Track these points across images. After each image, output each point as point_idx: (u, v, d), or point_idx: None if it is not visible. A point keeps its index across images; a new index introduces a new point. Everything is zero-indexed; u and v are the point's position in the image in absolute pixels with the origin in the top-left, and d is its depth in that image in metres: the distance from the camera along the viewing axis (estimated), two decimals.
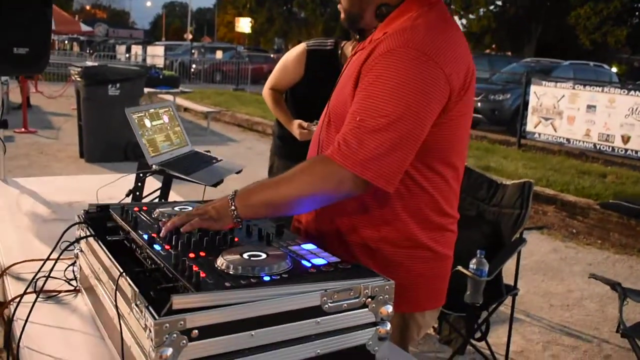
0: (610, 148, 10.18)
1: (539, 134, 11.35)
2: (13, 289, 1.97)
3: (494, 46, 43.59)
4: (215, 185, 2.15)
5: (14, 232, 2.50)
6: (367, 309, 1.36)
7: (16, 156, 8.36)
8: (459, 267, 2.87)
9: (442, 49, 1.58)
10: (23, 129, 10.70)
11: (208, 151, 2.42)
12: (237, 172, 2.25)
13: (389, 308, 1.39)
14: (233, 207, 1.62)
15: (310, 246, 1.56)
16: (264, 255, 1.42)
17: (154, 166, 2.11)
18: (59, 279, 1.89)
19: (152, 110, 2.24)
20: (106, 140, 8.44)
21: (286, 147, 3.49)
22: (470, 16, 42.24)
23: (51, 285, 1.81)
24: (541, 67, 15.23)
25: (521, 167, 8.97)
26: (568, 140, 10.88)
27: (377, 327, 1.38)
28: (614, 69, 32.26)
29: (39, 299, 1.78)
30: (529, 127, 11.50)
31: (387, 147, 1.55)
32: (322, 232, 1.85)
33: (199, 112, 13.48)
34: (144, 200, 2.25)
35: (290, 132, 3.34)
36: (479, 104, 13.83)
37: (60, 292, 1.89)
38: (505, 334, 3.65)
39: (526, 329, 4.15)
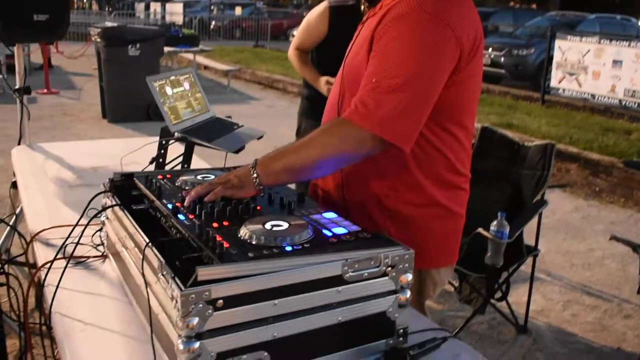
0: (636, 104, 10.02)
1: (563, 90, 11.20)
2: (42, 254, 2.03)
3: None
4: (237, 151, 2.17)
5: (41, 198, 2.55)
6: (387, 278, 1.39)
7: (40, 117, 8.44)
8: (480, 230, 2.88)
9: (453, 12, 1.62)
10: (45, 90, 10.77)
11: (229, 117, 2.43)
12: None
13: (409, 276, 1.41)
14: (255, 175, 1.65)
15: (331, 215, 1.58)
16: (285, 225, 1.44)
17: (176, 133, 2.13)
18: (87, 244, 1.94)
19: (172, 78, 2.25)
20: (128, 100, 8.49)
21: (314, 108, 3.48)
22: None
23: (79, 251, 1.85)
24: (566, 21, 14.92)
25: (544, 124, 8.88)
26: (593, 96, 10.73)
27: (397, 294, 1.41)
28: None
29: (68, 265, 1.84)
30: (553, 83, 11.35)
31: (403, 106, 1.59)
32: (340, 197, 1.89)
33: (219, 70, 13.46)
34: (167, 167, 2.28)
35: (317, 92, 3.34)
36: (502, 59, 13.65)
37: (88, 257, 1.94)
38: (526, 293, 3.68)
39: (546, 288, 4.17)
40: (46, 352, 2.07)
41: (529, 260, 3.48)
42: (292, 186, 1.96)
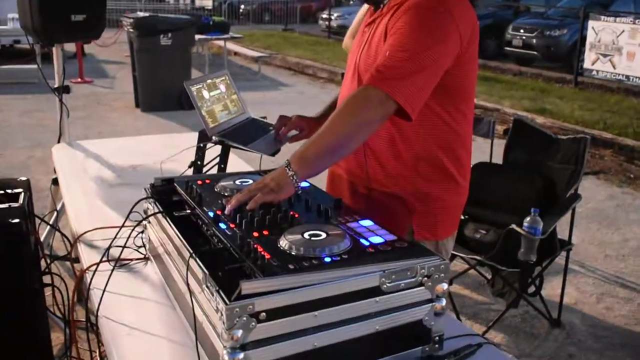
0: None
1: (597, 71, 11.03)
2: (87, 255, 2.10)
3: None
4: (273, 154, 2.21)
5: (83, 198, 2.63)
6: (423, 287, 1.42)
7: (74, 107, 8.53)
8: (513, 226, 2.90)
9: (456, 5, 1.86)
10: (79, 79, 10.93)
11: (264, 117, 2.47)
12: (294, 137, 2.30)
13: (445, 285, 1.45)
14: (291, 173, 1.71)
15: (367, 222, 1.62)
16: (324, 235, 1.48)
17: (213, 137, 2.18)
18: (130, 247, 2.00)
19: (209, 81, 2.30)
20: (160, 89, 8.59)
21: None
22: None
23: (121, 252, 1.92)
24: (600, 0, 14.63)
25: (577, 108, 8.77)
26: (627, 77, 10.55)
27: (433, 303, 1.45)
28: None
29: (111, 267, 1.90)
30: (586, 64, 11.19)
31: (411, 73, 1.77)
32: (367, 179, 2.05)
33: (249, 56, 13.51)
34: (205, 169, 2.33)
35: None
36: (534, 40, 13.47)
37: (131, 260, 2.00)
38: (559, 284, 3.68)
39: (580, 280, 4.16)
40: (91, 346, 2.14)
41: (563, 253, 3.49)
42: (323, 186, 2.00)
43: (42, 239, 3.55)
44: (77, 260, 2.38)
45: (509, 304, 3.28)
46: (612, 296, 3.97)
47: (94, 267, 1.90)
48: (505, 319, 3.46)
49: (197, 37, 10.05)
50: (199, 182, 1.93)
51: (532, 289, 3.35)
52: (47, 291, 2.45)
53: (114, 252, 1.94)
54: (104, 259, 1.93)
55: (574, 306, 3.82)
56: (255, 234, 1.51)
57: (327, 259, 1.39)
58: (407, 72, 1.77)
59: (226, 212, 1.65)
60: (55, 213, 3.41)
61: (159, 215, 1.79)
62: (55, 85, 3.56)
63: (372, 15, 2.06)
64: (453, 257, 3.26)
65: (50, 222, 3.33)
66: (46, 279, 2.42)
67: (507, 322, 3.55)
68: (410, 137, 1.97)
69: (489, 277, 3.57)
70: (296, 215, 1.65)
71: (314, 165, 1.75)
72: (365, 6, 3.56)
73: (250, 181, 1.89)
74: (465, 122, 2.03)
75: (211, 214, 1.65)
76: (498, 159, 3.74)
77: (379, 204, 2.04)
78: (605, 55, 10.86)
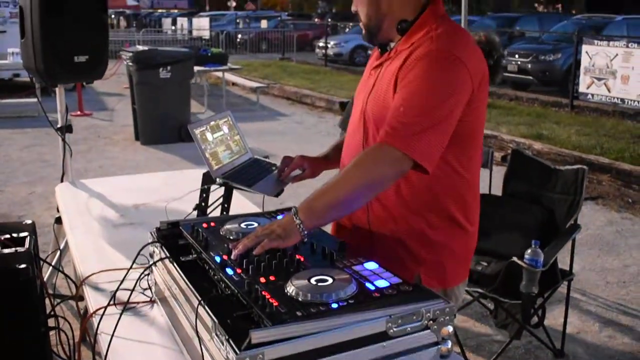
0: None
1: (592, 95, 11.14)
2: (93, 298, 2.11)
3: None
4: (276, 195, 2.24)
5: (87, 239, 2.65)
6: (429, 331, 1.45)
7: (75, 141, 8.52)
8: (514, 258, 2.92)
9: (465, 50, 1.87)
10: (79, 112, 10.99)
11: (267, 157, 2.50)
12: (296, 177, 2.33)
13: (450, 328, 1.47)
14: (298, 222, 1.74)
15: (372, 265, 1.64)
16: (330, 280, 1.51)
17: (217, 179, 2.21)
18: (136, 290, 2.01)
19: (212, 123, 2.33)
20: (160, 122, 8.66)
21: None
22: None
23: (127, 294, 1.93)
24: (592, 24, 14.79)
25: (574, 133, 8.83)
26: (622, 100, 10.66)
27: (439, 346, 1.46)
28: None
29: (117, 310, 1.92)
30: (582, 88, 11.30)
31: (426, 129, 1.78)
32: (369, 230, 2.03)
33: (247, 87, 13.61)
34: (208, 210, 2.36)
35: None
36: (529, 65, 13.61)
37: (138, 303, 2.02)
38: (561, 314, 3.69)
39: (582, 308, 4.17)
40: None
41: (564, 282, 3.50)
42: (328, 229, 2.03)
43: (45, 277, 3.57)
44: (81, 298, 2.40)
45: (512, 335, 3.29)
46: (615, 324, 3.98)
47: (101, 311, 1.92)
48: (509, 350, 3.46)
49: (195, 68, 10.13)
50: (205, 225, 1.96)
51: (534, 320, 3.37)
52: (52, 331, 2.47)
53: (120, 294, 1.96)
54: (112, 302, 1.95)
55: (577, 335, 3.83)
56: (262, 280, 1.54)
57: (334, 305, 1.42)
58: (423, 129, 1.78)
59: (232, 257, 1.68)
60: (59, 252, 3.43)
61: (166, 261, 1.81)
62: (59, 125, 3.60)
63: (378, 59, 2.06)
64: None
65: (54, 262, 3.35)
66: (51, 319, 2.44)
67: (511, 354, 3.56)
68: (416, 185, 1.94)
69: (492, 308, 3.58)
70: (302, 259, 1.67)
71: (321, 217, 1.79)
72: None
73: (256, 224, 1.92)
74: (474, 167, 2.02)
75: (218, 259, 1.67)
76: (496, 186, 3.78)
77: (384, 252, 1.97)
78: (599, 79, 10.97)
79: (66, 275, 2.56)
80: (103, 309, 1.92)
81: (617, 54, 10.63)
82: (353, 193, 1.79)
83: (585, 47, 11.20)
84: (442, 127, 1.81)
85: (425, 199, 1.96)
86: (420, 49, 1.86)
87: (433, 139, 1.79)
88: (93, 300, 2.10)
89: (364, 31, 2.07)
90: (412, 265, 1.98)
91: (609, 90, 10.85)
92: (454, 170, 1.95)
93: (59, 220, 3.51)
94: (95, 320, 1.93)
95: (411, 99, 1.81)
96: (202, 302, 1.48)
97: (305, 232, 1.74)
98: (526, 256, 2.88)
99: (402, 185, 1.95)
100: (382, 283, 1.53)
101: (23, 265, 2.09)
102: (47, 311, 2.43)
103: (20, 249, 2.21)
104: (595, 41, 11.21)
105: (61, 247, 3.42)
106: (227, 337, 1.31)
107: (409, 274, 1.95)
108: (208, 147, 2.26)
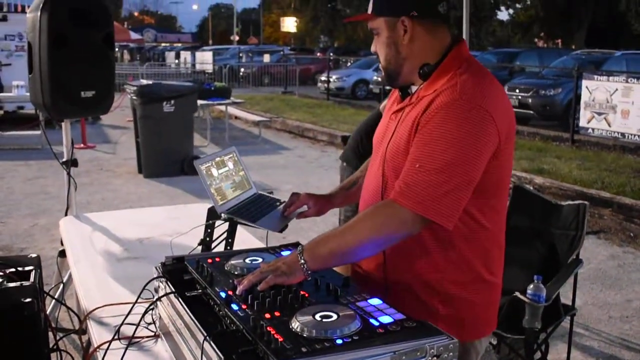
0: None
1: (593, 129, 11.21)
2: (97, 333, 2.12)
3: (542, 34, 42.91)
4: (281, 231, 2.26)
5: (91, 273, 2.66)
6: None
7: (78, 174, 8.57)
8: (517, 294, 2.93)
9: (492, 100, 1.77)
10: (82, 145, 11.06)
11: (271, 192, 2.53)
12: (300, 214, 2.35)
13: None
14: (302, 261, 1.76)
15: (376, 301, 1.66)
16: (335, 316, 1.52)
17: (222, 214, 2.23)
18: (141, 325, 2.02)
19: (217, 159, 2.36)
20: (163, 156, 8.70)
21: None
22: (518, 5, 41.62)
23: (131, 328, 1.94)
24: (592, 59, 14.95)
25: (575, 167, 8.87)
26: (623, 134, 10.72)
27: None
28: None
29: (121, 345, 1.93)
30: (582, 122, 11.37)
31: (445, 187, 1.71)
32: (381, 277, 1.96)
33: (249, 120, 13.71)
34: (213, 244, 2.38)
35: None
36: (529, 100, 13.71)
37: (142, 337, 2.02)
38: (564, 349, 3.68)
39: (585, 343, 4.16)
40: None
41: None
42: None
43: (48, 311, 3.57)
44: (84, 332, 2.41)
45: None
46: (618, 359, 3.96)
47: (105, 345, 1.93)
48: None
49: (199, 102, 10.23)
50: (209, 260, 1.97)
51: (537, 355, 3.35)
52: None
53: (124, 329, 1.97)
54: (116, 336, 1.96)
55: None
56: (267, 316, 1.55)
57: (339, 341, 1.43)
58: (442, 189, 1.71)
59: (238, 292, 1.69)
60: (62, 286, 3.44)
61: (171, 295, 1.82)
62: (64, 159, 3.63)
63: (399, 103, 1.99)
64: None
65: (57, 295, 3.36)
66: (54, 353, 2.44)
67: None
68: (441, 238, 1.85)
69: (495, 343, 3.56)
70: (306, 295, 1.69)
71: (324, 262, 1.79)
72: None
73: (260, 260, 1.94)
74: (499, 219, 1.94)
75: (223, 295, 1.69)
76: None
77: (398, 302, 1.75)
78: (600, 114, 11.05)
79: (70, 309, 2.57)
80: (107, 344, 1.93)
81: (616, 89, 10.72)
82: (358, 246, 1.77)
83: (585, 82, 11.30)
84: (463, 185, 1.73)
85: (448, 253, 1.87)
86: (443, 96, 1.78)
87: (452, 198, 1.72)
88: (97, 335, 2.11)
89: (383, 73, 2.00)
90: (428, 318, 1.73)
91: (609, 125, 10.92)
92: (478, 223, 1.86)
93: (62, 254, 3.53)
94: (99, 354, 1.94)
95: (429, 154, 1.73)
96: (207, 337, 1.49)
97: (309, 272, 1.76)
98: (529, 291, 2.88)
99: (425, 236, 1.85)
100: (386, 319, 1.55)
101: (28, 299, 2.10)
102: (50, 345, 2.43)
103: (25, 283, 2.22)
104: (595, 76, 11.32)
105: (64, 280, 3.43)
106: None
107: None
108: (213, 182, 2.28)
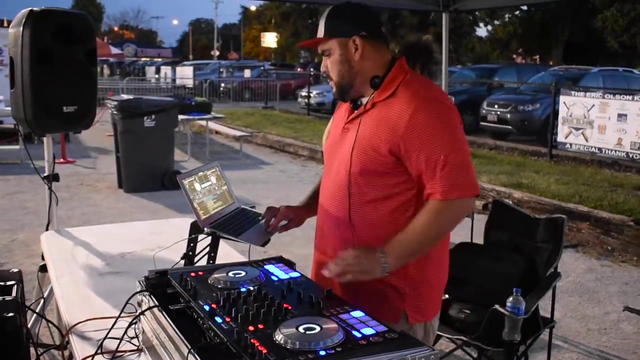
0: None
1: (570, 144, 11.36)
2: (79, 347, 2.12)
3: (520, 50, 43.44)
4: (263, 244, 2.29)
5: (73, 288, 2.66)
6: None
7: (58, 188, 8.50)
8: (497, 307, 2.96)
9: (446, 96, 2.17)
10: (62, 160, 10.99)
11: (253, 207, 2.55)
12: (283, 227, 2.37)
13: None
14: (384, 262, 1.98)
15: (358, 313, 1.68)
16: (318, 328, 1.54)
17: (205, 229, 2.25)
18: (124, 339, 2.03)
19: (200, 173, 2.38)
20: (143, 170, 8.68)
21: None
22: (496, 22, 42.15)
23: (113, 343, 1.94)
24: (569, 75, 15.17)
25: (553, 182, 8.98)
26: (600, 149, 10.88)
27: None
28: None
29: (104, 359, 1.93)
30: (560, 138, 11.52)
31: (469, 164, 2.06)
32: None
33: (230, 135, 13.72)
34: (196, 259, 2.39)
35: None
36: (508, 115, 13.87)
37: (125, 352, 2.03)
38: None
39: (564, 355, 4.20)
40: None
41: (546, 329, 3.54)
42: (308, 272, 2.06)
43: (29, 326, 3.54)
44: (65, 347, 2.40)
45: None
46: None
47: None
48: None
49: (180, 117, 10.22)
50: (193, 274, 1.98)
51: None
52: None
53: (107, 343, 1.97)
54: (99, 351, 1.96)
55: None
56: (251, 328, 1.57)
57: (322, 352, 1.45)
58: (470, 167, 2.04)
59: (327, 274, 2.00)
60: (42, 301, 3.41)
61: (155, 310, 1.83)
62: (45, 174, 3.63)
63: (350, 114, 2.22)
64: (439, 337, 3.31)
65: (38, 310, 3.33)
66: None
67: None
68: (400, 221, 2.09)
69: (475, 356, 3.60)
70: (289, 307, 1.71)
71: (402, 262, 2.04)
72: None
73: (243, 273, 1.95)
74: None
75: (207, 308, 1.70)
76: (477, 234, 3.83)
77: (370, 292, 2.12)
78: (577, 129, 11.21)
79: (53, 324, 2.56)
80: (90, 358, 1.94)
81: (593, 105, 10.90)
82: (433, 244, 2.09)
83: (562, 98, 11.47)
84: (469, 154, 2.09)
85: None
86: (409, 107, 2.04)
87: (472, 167, 2.07)
88: (79, 349, 2.11)
89: (334, 89, 2.22)
90: (397, 302, 2.14)
91: (586, 140, 11.07)
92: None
93: (43, 268, 3.50)
94: None
95: (442, 148, 2.00)
96: (192, 350, 1.50)
97: (386, 274, 1.99)
98: (508, 304, 2.93)
99: (401, 219, 2.10)
100: (368, 331, 1.57)
101: (10, 314, 2.10)
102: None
103: (7, 298, 2.21)
104: (573, 92, 11.50)
105: (45, 295, 3.40)
106: None
107: (395, 312, 2.11)
108: (196, 197, 2.30)
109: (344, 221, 2.17)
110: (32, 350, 2.44)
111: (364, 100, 2.19)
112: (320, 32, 2.18)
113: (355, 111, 2.20)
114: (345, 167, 2.16)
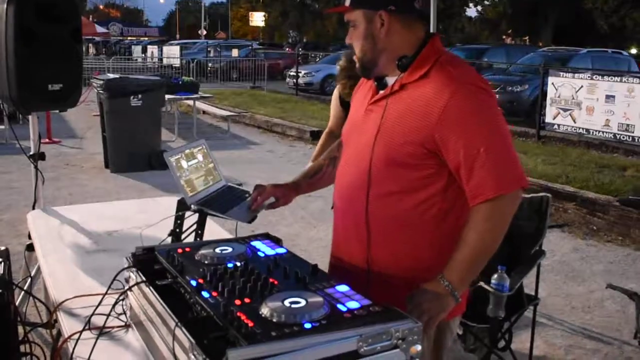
0: (630, 138, 10.24)
1: (558, 125, 11.41)
2: (67, 324, 2.13)
3: (510, 31, 43.46)
4: (250, 221, 2.29)
5: (61, 266, 2.66)
6: (398, 350, 1.50)
7: (44, 168, 8.44)
8: (481, 283, 2.99)
9: (484, 81, 1.96)
10: (47, 140, 10.91)
11: (240, 184, 2.56)
12: (270, 205, 2.37)
13: (418, 347, 1.53)
14: (455, 292, 1.87)
15: (343, 288, 1.70)
16: (303, 302, 1.56)
17: (192, 206, 2.26)
18: (111, 315, 2.04)
19: (187, 151, 2.38)
20: (130, 150, 8.64)
21: None
22: (486, 2, 42.13)
23: (101, 319, 1.95)
24: (558, 56, 15.22)
25: (540, 162, 9.03)
26: (587, 130, 10.94)
27: None
28: (634, 50, 32.05)
29: (92, 335, 1.94)
30: (548, 119, 11.57)
31: (510, 151, 1.88)
32: (367, 264, 2.03)
33: (218, 115, 13.68)
34: (183, 236, 2.40)
35: None
36: (497, 96, 13.86)
37: (112, 327, 2.04)
38: (528, 339, 3.76)
39: (548, 332, 4.26)
40: None
41: (530, 307, 3.59)
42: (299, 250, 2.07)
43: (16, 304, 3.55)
44: (53, 325, 2.41)
45: (480, 359, 3.35)
46: (580, 347, 4.07)
47: (76, 336, 1.94)
48: None
49: (166, 96, 10.16)
50: (180, 250, 1.99)
51: (502, 343, 3.43)
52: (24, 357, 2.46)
53: (94, 319, 1.98)
54: (87, 327, 1.97)
55: (543, 359, 3.91)
56: (237, 302, 1.58)
57: (307, 325, 1.47)
58: (512, 158, 1.88)
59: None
60: (30, 279, 3.42)
61: (142, 286, 1.84)
62: (31, 152, 3.61)
63: (374, 94, 2.05)
64: None
65: (25, 289, 3.34)
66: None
67: None
68: (450, 209, 1.97)
69: (460, 333, 3.64)
70: (275, 282, 1.72)
71: (469, 280, 1.94)
72: (334, 93, 3.78)
73: (230, 249, 1.96)
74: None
75: (194, 283, 1.71)
76: None
77: (381, 289, 1.94)
78: (565, 110, 11.25)
79: (40, 301, 2.57)
80: (78, 334, 1.95)
81: (582, 86, 10.93)
82: (494, 249, 1.91)
83: (551, 79, 11.49)
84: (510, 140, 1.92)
85: (442, 227, 1.98)
86: (446, 90, 1.86)
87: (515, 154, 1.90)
88: (67, 326, 2.11)
89: (357, 65, 2.05)
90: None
91: (574, 121, 11.12)
92: (463, 197, 1.94)
93: (30, 247, 3.51)
94: (70, 345, 1.95)
95: (482, 138, 1.84)
96: (179, 323, 1.52)
97: (459, 300, 1.89)
98: (493, 281, 2.95)
99: (427, 215, 1.97)
100: (353, 304, 1.59)
101: None
102: (20, 337, 2.43)
103: None
104: (561, 73, 11.53)
105: (32, 274, 3.41)
106: (204, 357, 1.36)
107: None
108: (183, 174, 2.31)
109: (360, 215, 2.01)
110: (19, 329, 2.46)
111: (390, 80, 2.01)
112: (347, 0, 2.00)
113: (381, 92, 2.03)
114: (366, 156, 1.99)
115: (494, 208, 1.85)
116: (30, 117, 3.60)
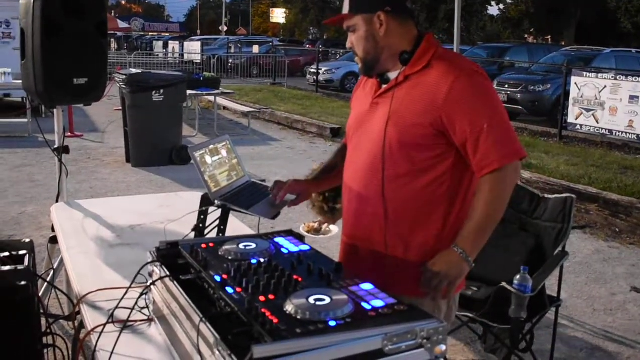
0: None
1: (581, 126, 11.30)
2: (90, 317, 2.15)
3: (532, 30, 43.10)
4: (273, 217, 2.29)
5: (84, 259, 2.68)
6: (423, 349, 1.49)
7: (66, 162, 8.59)
8: (504, 284, 2.97)
9: (478, 67, 2.14)
10: (69, 134, 10.99)
11: (263, 180, 2.56)
12: (292, 202, 2.37)
13: (443, 347, 1.52)
14: (469, 258, 2.04)
15: (368, 286, 1.69)
16: (328, 300, 1.55)
17: (216, 201, 2.26)
18: (134, 309, 2.04)
19: (211, 147, 2.39)
20: (151, 145, 8.68)
21: None
22: (508, 1, 41.78)
23: (124, 313, 1.96)
24: (581, 56, 15.03)
25: (563, 163, 8.95)
26: (610, 131, 10.82)
27: None
28: None
29: (115, 329, 1.95)
30: (570, 119, 11.46)
31: (511, 128, 2.08)
32: (384, 236, 2.18)
33: (238, 111, 13.69)
34: (206, 232, 2.40)
35: None
36: (518, 95, 13.78)
37: (136, 321, 2.05)
38: (549, 340, 3.73)
39: (570, 335, 4.22)
40: None
41: (552, 308, 3.55)
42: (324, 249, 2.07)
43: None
44: (75, 318, 2.42)
45: None
46: (602, 351, 4.03)
47: (99, 329, 1.95)
48: None
49: (188, 92, 10.20)
50: (203, 245, 2.00)
51: (523, 344, 3.40)
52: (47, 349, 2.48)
53: (117, 313, 1.99)
54: (110, 320, 1.98)
55: None
56: (262, 298, 1.58)
57: (332, 323, 1.46)
58: (512, 132, 2.06)
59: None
60: (52, 272, 3.45)
61: (166, 280, 1.85)
62: (56, 146, 3.64)
63: (378, 89, 2.21)
64: None
65: (48, 280, 3.36)
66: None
67: None
68: (458, 187, 2.15)
69: (481, 333, 3.62)
70: (299, 279, 1.72)
71: (481, 246, 2.08)
72: None
73: (254, 245, 1.96)
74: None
75: (218, 278, 1.71)
76: None
77: (395, 268, 2.16)
78: (588, 110, 11.14)
79: (64, 293, 2.58)
80: (102, 327, 1.96)
81: (605, 86, 10.82)
82: (500, 217, 2.09)
83: (574, 79, 11.38)
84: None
85: (449, 211, 2.15)
86: (447, 78, 2.04)
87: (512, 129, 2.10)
88: (91, 319, 2.13)
89: (360, 65, 2.21)
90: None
91: (597, 122, 11.01)
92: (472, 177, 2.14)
93: (53, 240, 3.53)
94: (93, 337, 1.96)
95: (484, 115, 2.01)
96: (203, 319, 1.52)
97: (473, 265, 2.06)
98: (515, 281, 2.93)
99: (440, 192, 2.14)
100: (377, 303, 1.58)
101: (23, 283, 2.12)
102: (43, 329, 2.45)
103: (19, 267, 2.23)
104: (584, 73, 11.41)
105: (55, 266, 3.44)
106: (229, 353, 1.36)
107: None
108: (207, 170, 2.31)
109: (376, 197, 2.16)
110: (42, 320, 2.47)
111: (391, 75, 2.18)
112: (345, 9, 2.18)
113: (385, 85, 2.19)
114: (378, 142, 2.14)
115: (499, 178, 2.03)
116: (55, 110, 3.62)
